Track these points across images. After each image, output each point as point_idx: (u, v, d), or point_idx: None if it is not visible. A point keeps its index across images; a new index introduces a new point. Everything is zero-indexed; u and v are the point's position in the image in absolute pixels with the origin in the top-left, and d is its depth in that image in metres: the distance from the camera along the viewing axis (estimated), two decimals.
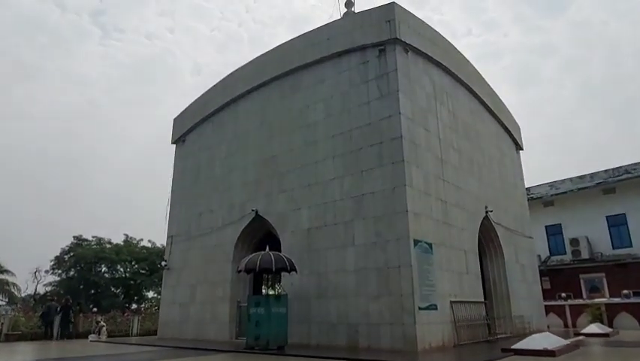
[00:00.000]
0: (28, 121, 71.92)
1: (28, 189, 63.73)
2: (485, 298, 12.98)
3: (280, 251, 12.41)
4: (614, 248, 22.50)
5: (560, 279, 23.21)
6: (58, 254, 33.12)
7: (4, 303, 34.33)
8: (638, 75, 71.01)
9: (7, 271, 33.76)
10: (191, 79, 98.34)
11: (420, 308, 9.58)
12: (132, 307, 30.03)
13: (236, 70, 16.15)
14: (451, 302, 10.76)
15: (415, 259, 9.83)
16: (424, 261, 10.12)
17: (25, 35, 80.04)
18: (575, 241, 23.01)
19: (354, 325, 10.30)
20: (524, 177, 18.55)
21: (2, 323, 16.23)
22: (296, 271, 11.08)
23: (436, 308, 10.12)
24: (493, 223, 14.19)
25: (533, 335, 9.47)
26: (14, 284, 34.10)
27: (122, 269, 34.59)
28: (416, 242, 10.03)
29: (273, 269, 10.71)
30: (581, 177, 23.84)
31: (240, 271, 11.47)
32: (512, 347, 8.99)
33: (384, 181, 10.62)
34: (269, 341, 10.04)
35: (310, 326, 11.19)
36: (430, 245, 10.53)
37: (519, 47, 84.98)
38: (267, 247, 11.26)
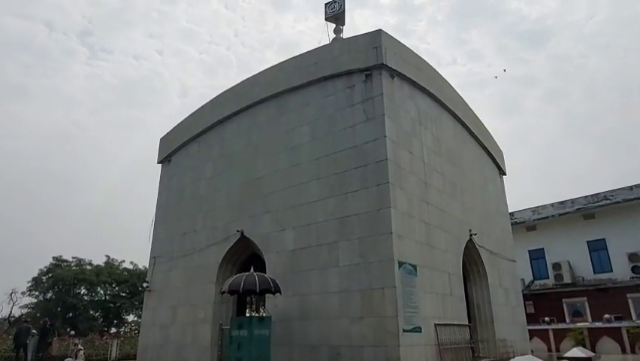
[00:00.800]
0: (11, 140, 71.02)
1: (7, 208, 62.40)
2: (469, 321, 13.00)
3: (265, 272, 12.33)
4: (595, 273, 22.85)
5: (544, 303, 23.37)
6: (35, 275, 32.30)
7: None
8: (615, 107, 73.52)
9: None
10: (178, 101, 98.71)
11: (404, 331, 9.55)
12: (111, 331, 29.24)
13: (224, 92, 16.32)
14: (435, 325, 10.76)
15: (398, 280, 9.86)
16: (407, 283, 10.16)
17: (10, 54, 79.84)
18: (557, 266, 23.31)
19: (337, 347, 10.20)
20: (507, 202, 18.87)
21: None
22: (280, 293, 10.99)
23: (420, 331, 10.10)
24: (477, 246, 14.34)
25: (516, 358, 9.49)
26: None
27: (102, 291, 33.86)
28: (400, 264, 10.08)
29: (257, 290, 10.60)
30: (562, 203, 24.33)
31: (223, 293, 11.33)
32: None
33: (369, 203, 10.72)
34: None
35: (292, 348, 11.04)
36: (414, 267, 10.59)
37: (502, 78, 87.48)
38: (252, 268, 11.19)
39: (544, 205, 24.92)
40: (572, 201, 23.86)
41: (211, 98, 17.00)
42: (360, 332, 9.93)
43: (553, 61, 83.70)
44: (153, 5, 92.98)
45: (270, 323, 10.71)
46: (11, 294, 33.56)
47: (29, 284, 31.77)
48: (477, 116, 17.64)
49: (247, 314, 16.76)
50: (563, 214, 23.65)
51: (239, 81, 15.91)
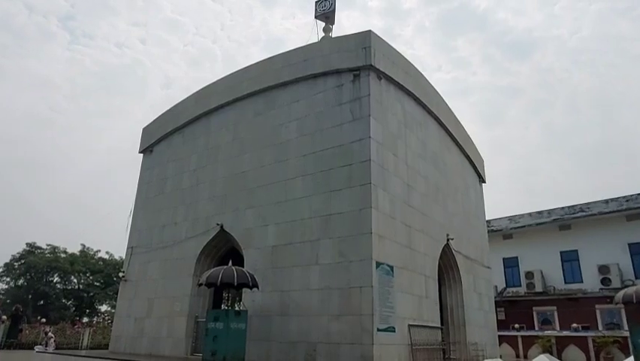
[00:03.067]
0: None
1: None
2: (442, 324, 13.24)
3: (243, 267, 12.33)
4: (566, 283, 23.47)
5: (515, 310, 23.90)
6: (7, 261, 31.54)
7: None
8: (595, 122, 75.52)
9: None
10: (160, 92, 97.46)
11: (379, 330, 9.69)
12: (83, 320, 28.77)
13: (210, 84, 16.23)
14: (410, 325, 10.93)
15: (376, 280, 10.00)
16: (385, 283, 10.30)
17: None
18: (530, 274, 23.85)
19: (314, 343, 10.28)
20: (486, 210, 19.25)
21: None
22: (258, 288, 11.02)
23: (394, 331, 10.26)
24: (454, 251, 14.60)
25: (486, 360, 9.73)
26: None
27: (75, 280, 33.27)
28: (378, 264, 10.22)
29: (235, 284, 10.60)
30: (540, 213, 24.91)
31: (200, 285, 11.29)
32: None
33: (352, 202, 10.83)
34: (225, 358, 9.86)
35: (270, 344, 11.08)
36: (392, 268, 10.74)
37: (487, 86, 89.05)
38: (230, 262, 11.19)
39: (522, 214, 25.48)
40: (549, 211, 24.46)
41: (195, 90, 16.89)
42: (338, 329, 10.04)
43: (538, 73, 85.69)
44: None
45: (247, 317, 10.72)
46: None
47: (0, 270, 31.03)
48: (460, 123, 17.96)
49: (223, 308, 16.70)
50: (540, 224, 24.23)
51: (224, 75, 15.85)
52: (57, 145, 75.95)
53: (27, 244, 32.28)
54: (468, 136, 18.64)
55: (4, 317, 16.96)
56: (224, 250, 14.05)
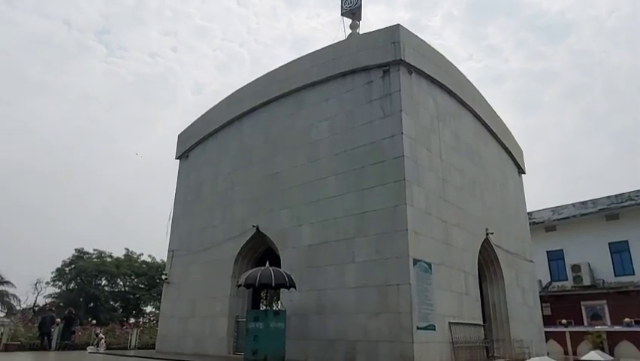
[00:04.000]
0: (31, 135, 72.76)
1: (30, 201, 64.09)
2: (484, 321, 12.92)
3: (280, 267, 12.47)
4: (616, 275, 22.38)
5: (561, 305, 23.01)
6: (59, 266, 33.22)
7: (2, 314, 34.30)
8: (636, 103, 71.53)
9: (7, 283, 33.87)
10: (191, 97, 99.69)
11: (418, 328, 9.57)
12: (130, 321, 29.98)
13: (241, 88, 16.49)
14: (450, 323, 10.73)
15: (414, 278, 9.87)
16: (423, 280, 10.15)
17: (31, 51, 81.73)
18: (576, 267, 22.89)
19: (353, 342, 10.27)
20: (526, 201, 18.62)
21: (2, 333, 16.22)
22: (295, 288, 11.11)
23: (434, 329, 10.10)
24: (494, 246, 14.21)
25: (532, 359, 9.42)
26: (14, 296, 34.20)
27: (121, 283, 34.66)
28: (415, 261, 10.08)
29: (273, 285, 10.75)
30: (584, 203, 23.86)
31: (239, 286, 11.52)
32: None
33: (386, 199, 10.73)
34: (266, 357, 10.02)
35: (308, 342, 11.16)
36: (430, 265, 10.57)
37: (520, 73, 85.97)
38: (267, 263, 11.33)
39: (565, 205, 24.47)
40: (594, 201, 23.38)
41: (224, 95, 17.20)
42: (376, 327, 9.98)
43: (574, 56, 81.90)
44: (167, 3, 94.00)
45: (285, 317, 10.85)
46: (36, 284, 34.66)
47: (53, 275, 32.78)
48: (496, 113, 17.43)
49: (262, 308, 16.96)
50: (585, 215, 23.20)
51: (252, 78, 16.10)
52: (99, 154, 79.29)
53: (76, 249, 34.00)
54: (505, 126, 18.07)
55: (58, 320, 17.91)
56: (260, 251, 14.24)
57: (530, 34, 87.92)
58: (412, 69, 12.02)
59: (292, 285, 10.98)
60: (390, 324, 9.75)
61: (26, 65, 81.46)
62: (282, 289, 11.76)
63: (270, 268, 10.79)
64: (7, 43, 78.56)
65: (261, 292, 15.21)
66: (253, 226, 13.57)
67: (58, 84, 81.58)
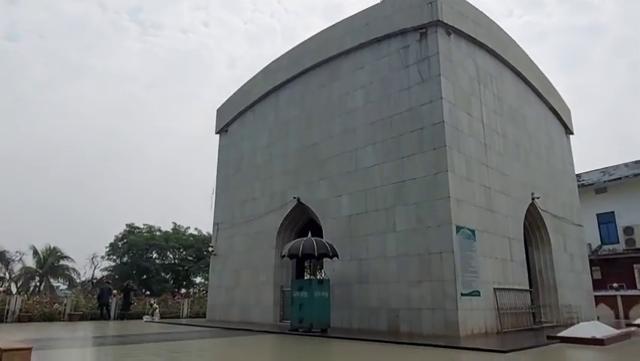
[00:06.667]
0: (76, 118, 75.76)
1: (81, 181, 67.45)
2: (531, 287, 12.68)
3: (322, 238, 12.64)
4: None
5: (612, 269, 22.17)
6: (112, 241, 35.10)
7: (65, 287, 36.92)
8: None
9: (66, 258, 36.27)
10: (226, 72, 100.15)
11: (462, 294, 9.52)
12: (182, 292, 31.53)
13: (275, 60, 16.40)
14: (495, 289, 10.61)
15: (457, 245, 9.76)
16: (466, 247, 10.03)
17: (70, 35, 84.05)
18: (629, 230, 21.85)
19: (395, 310, 10.38)
20: (574, 163, 17.80)
21: (66, 304, 17.49)
22: (338, 257, 11.27)
23: (479, 295, 10.02)
24: (540, 211, 13.77)
25: (581, 323, 9.20)
26: (74, 269, 36.60)
27: (171, 255, 36.22)
28: (458, 228, 9.94)
29: (316, 255, 10.95)
30: (637, 162, 22.53)
31: (283, 257, 11.80)
32: (558, 334, 8.79)
33: (426, 167, 10.55)
34: (312, 324, 10.31)
35: (352, 310, 11.38)
36: (473, 231, 10.40)
37: (565, 28, 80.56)
38: (309, 234, 11.50)
39: (617, 165, 23.18)
40: None
41: (258, 68, 17.22)
42: (418, 295, 10.02)
43: (623, 6, 75.69)
44: None
45: (329, 286, 11.06)
46: (92, 258, 36.86)
47: (107, 249, 34.69)
48: (541, 72, 16.54)
49: (306, 277, 17.35)
50: (639, 175, 21.93)
51: (285, 49, 15.99)
52: (141, 133, 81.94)
53: (127, 225, 35.67)
54: (550, 84, 17.16)
55: (115, 291, 19.09)
56: (302, 221, 14.46)
57: None
58: (450, 30, 11.51)
59: (335, 254, 11.13)
60: (433, 292, 9.75)
61: (65, 48, 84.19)
62: (324, 259, 11.95)
63: (313, 239, 10.96)
64: (46, 27, 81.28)
65: (305, 262, 15.52)
66: (294, 198, 13.75)
67: (97, 66, 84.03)
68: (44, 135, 70.84)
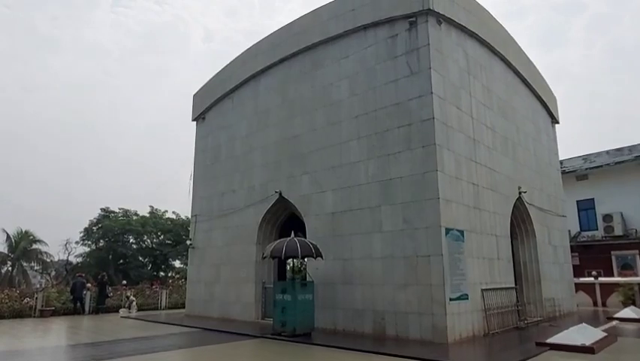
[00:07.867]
0: (44, 91, 72.63)
1: (50, 160, 65.13)
2: (515, 282, 12.56)
3: (305, 234, 12.18)
4: None
5: (590, 255, 22.49)
6: (87, 226, 33.92)
7: (39, 268, 35.72)
8: None
9: (40, 241, 34.98)
10: (202, 46, 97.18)
11: (451, 299, 9.23)
12: (160, 276, 30.88)
13: (255, 43, 15.51)
14: (482, 290, 10.39)
15: (445, 248, 9.41)
16: (454, 250, 9.70)
17: (38, 7, 79.78)
18: (608, 217, 22.10)
19: (381, 312, 10.07)
20: (558, 152, 17.66)
21: (36, 299, 16.70)
22: (322, 258, 10.84)
23: (467, 298, 9.76)
24: (527, 204, 13.57)
25: (570, 329, 9.06)
26: (47, 253, 35.38)
27: (148, 240, 35.30)
28: (447, 230, 9.58)
29: (299, 256, 10.51)
30: (619, 150, 22.65)
31: (265, 258, 11.33)
32: (547, 341, 8.63)
33: (414, 166, 10.08)
34: (295, 328, 9.93)
35: (336, 311, 11.03)
36: (462, 232, 10.07)
37: (544, 4, 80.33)
38: (293, 233, 11.02)
39: (599, 153, 23.29)
40: (630, 148, 22.14)
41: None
42: (405, 299, 9.70)
43: None
44: None
45: (313, 288, 10.67)
46: (66, 244, 35.59)
47: (81, 234, 33.56)
48: (529, 59, 16.14)
49: (288, 275, 16.98)
50: (620, 162, 22.04)
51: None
52: (114, 108, 79.18)
53: (101, 209, 34.46)
54: (538, 72, 16.80)
55: (89, 285, 18.35)
56: (284, 216, 13.94)
57: None
58: (440, 19, 10.88)
59: (319, 255, 10.71)
60: (421, 296, 9.44)
61: (33, 19, 79.90)
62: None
63: (296, 240, 10.49)
64: None
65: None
66: (276, 192, 13.17)
67: (67, 38, 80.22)
68: (7, 110, 67.75)
